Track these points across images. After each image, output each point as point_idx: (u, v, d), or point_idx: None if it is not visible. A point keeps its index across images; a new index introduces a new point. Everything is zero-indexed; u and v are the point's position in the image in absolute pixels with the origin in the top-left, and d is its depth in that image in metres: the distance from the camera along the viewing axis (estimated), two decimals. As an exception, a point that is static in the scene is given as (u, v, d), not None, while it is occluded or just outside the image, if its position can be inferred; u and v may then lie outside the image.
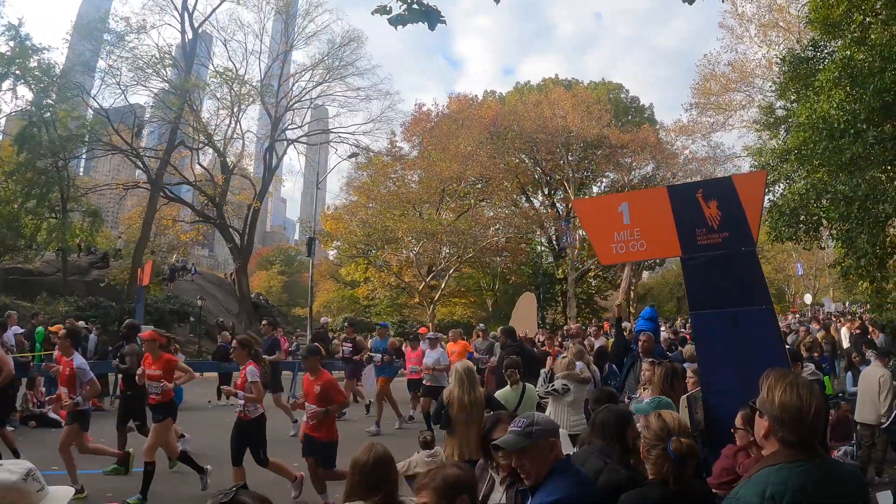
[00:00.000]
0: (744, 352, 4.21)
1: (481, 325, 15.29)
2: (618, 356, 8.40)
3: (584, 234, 40.30)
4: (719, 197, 4.43)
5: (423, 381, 11.05)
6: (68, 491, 2.16)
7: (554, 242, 40.93)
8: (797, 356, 7.56)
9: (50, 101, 27.23)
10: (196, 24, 32.64)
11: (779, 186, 15.81)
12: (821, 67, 14.10)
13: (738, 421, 3.38)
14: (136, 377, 7.53)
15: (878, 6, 12.85)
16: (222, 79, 32.66)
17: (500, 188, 36.40)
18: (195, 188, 34.73)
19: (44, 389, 11.95)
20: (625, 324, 21.98)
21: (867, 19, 12.89)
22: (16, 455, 7.50)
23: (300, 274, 74.54)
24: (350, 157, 34.50)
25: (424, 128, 39.02)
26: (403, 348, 14.21)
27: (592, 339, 14.68)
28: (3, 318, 12.74)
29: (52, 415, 10.92)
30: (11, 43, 26.06)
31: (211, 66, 34.64)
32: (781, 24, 26.71)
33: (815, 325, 18.50)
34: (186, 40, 32.49)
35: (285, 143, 36.90)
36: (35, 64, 26.68)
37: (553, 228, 39.48)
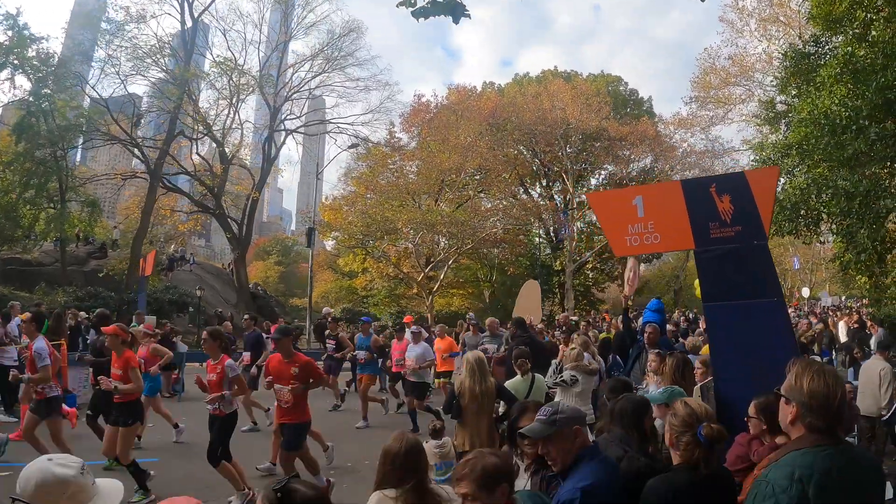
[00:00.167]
0: (755, 343, 4.30)
1: (470, 314, 15.12)
2: (622, 347, 8.52)
3: (582, 226, 40.58)
4: (732, 191, 4.50)
5: (405, 376, 10.66)
6: (116, 483, 2.18)
7: (552, 234, 41.03)
8: (804, 348, 7.68)
9: (48, 91, 27.05)
10: (196, 14, 32.54)
11: (779, 181, 15.88)
12: (822, 63, 14.14)
13: (751, 410, 3.46)
14: (100, 383, 7.03)
15: (881, 3, 12.89)
16: (222, 69, 32.54)
17: (498, 179, 36.44)
18: (194, 178, 34.68)
19: None
20: (620, 317, 22.17)
21: (869, 16, 12.94)
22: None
23: (297, 264, 74.59)
24: (350, 147, 34.53)
25: (423, 119, 39.00)
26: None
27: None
28: (6, 309, 12.74)
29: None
30: (10, 32, 25.92)
31: (210, 56, 34.55)
32: (782, 18, 26.75)
33: (812, 319, 18.64)
34: (186, 30, 32.36)
35: (284, 133, 36.88)
36: (33, 53, 26.57)
37: (551, 220, 39.57)
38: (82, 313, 16.65)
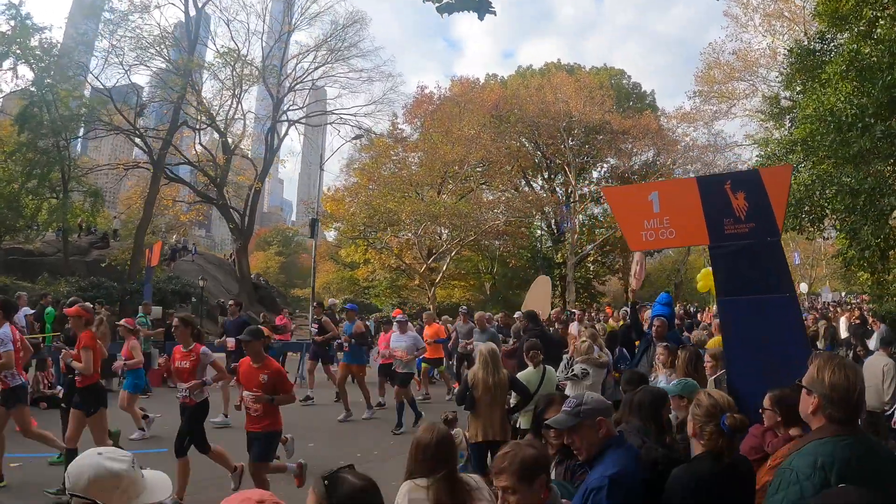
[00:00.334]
0: (768, 337, 4.40)
1: (463, 307, 15.16)
2: (628, 340, 8.61)
3: (584, 219, 40.69)
4: (747, 188, 4.58)
5: (393, 368, 10.38)
6: (162, 476, 2.18)
7: (553, 227, 41.09)
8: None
9: (50, 81, 26.98)
10: (199, 4, 32.45)
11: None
12: (828, 60, 14.18)
13: (766, 402, 3.54)
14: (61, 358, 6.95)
15: (887, 1, 12.93)
16: (225, 60, 32.50)
17: (501, 172, 36.47)
18: (197, 169, 34.69)
19: (54, 371, 11.74)
20: (624, 309, 22.26)
21: (875, 14, 12.96)
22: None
23: (297, 255, 74.72)
24: (355, 138, 34.55)
25: (426, 110, 38.96)
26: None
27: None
28: (14, 300, 12.77)
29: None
30: (12, 22, 25.84)
31: (213, 46, 34.52)
32: (787, 14, 26.74)
33: (814, 315, 18.74)
34: (190, 19, 32.30)
35: (286, 124, 36.89)
36: (36, 43, 26.48)
37: (553, 213, 39.62)
38: (88, 303, 16.70)
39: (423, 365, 13.09)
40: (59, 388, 11.16)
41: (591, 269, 43.08)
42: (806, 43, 15.91)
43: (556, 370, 6.79)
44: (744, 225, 4.55)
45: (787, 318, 4.49)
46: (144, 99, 33.40)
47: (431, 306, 31.29)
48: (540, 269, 38.24)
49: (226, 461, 6.50)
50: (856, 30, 13.52)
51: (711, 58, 32.55)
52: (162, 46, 31.13)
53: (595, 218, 43.04)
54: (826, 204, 13.51)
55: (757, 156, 17.10)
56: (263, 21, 35.59)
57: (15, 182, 26.62)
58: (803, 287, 39.00)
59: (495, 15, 4.16)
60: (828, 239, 20.99)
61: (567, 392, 6.83)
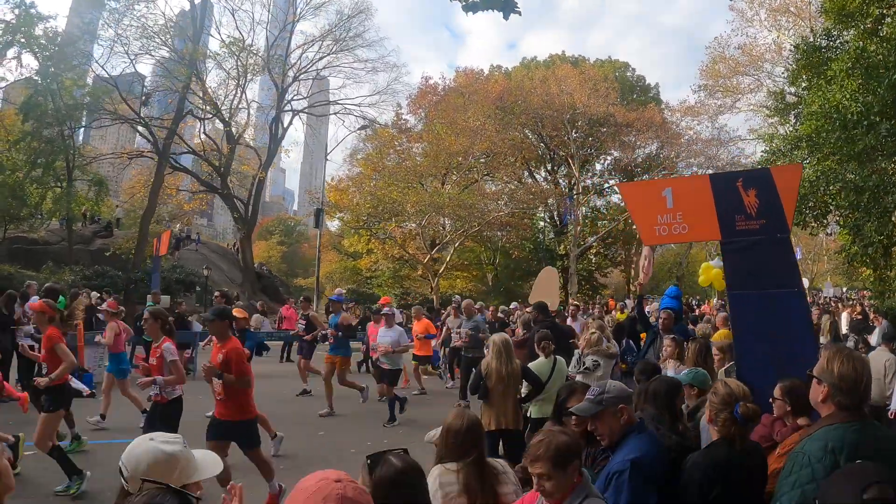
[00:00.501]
0: (776, 330, 4.55)
1: (456, 297, 15.07)
2: (633, 332, 8.78)
3: (587, 211, 40.80)
4: (758, 186, 4.72)
5: (378, 363, 10.09)
6: (212, 455, 2.26)
7: (556, 219, 41.19)
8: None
9: (55, 70, 26.96)
10: (205, -7, 32.47)
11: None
12: (833, 57, 14.23)
13: (777, 392, 3.68)
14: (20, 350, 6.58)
15: (894, -1, 12.98)
16: (231, 50, 32.51)
17: (504, 163, 36.53)
18: (202, 158, 34.76)
19: None
20: (628, 301, 22.44)
21: (882, 11, 13.01)
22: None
23: (299, 244, 74.73)
24: (360, 129, 34.59)
25: (430, 101, 38.99)
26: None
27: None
28: (24, 289, 12.84)
29: (75, 385, 10.67)
30: (17, 11, 25.84)
31: (217, 36, 34.51)
32: (792, 9, 26.73)
33: (815, 310, 18.85)
34: (195, 7, 32.28)
35: (290, 114, 36.93)
36: (40, 32, 26.51)
37: (556, 205, 39.70)
38: (94, 293, 16.87)
39: (414, 362, 12.82)
40: (68, 376, 11.32)
41: (594, 261, 43.22)
42: (812, 39, 15.93)
43: (565, 360, 6.92)
44: (755, 221, 4.69)
45: (795, 313, 4.64)
46: (148, 88, 33.41)
47: (435, 297, 31.45)
48: (542, 261, 38.38)
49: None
50: (862, 27, 13.56)
51: (717, 52, 32.59)
52: (167, 36, 31.13)
53: (598, 210, 43.19)
54: (830, 200, 13.61)
55: (762, 151, 17.21)
56: (268, 11, 35.63)
57: (19, 171, 26.70)
58: (804, 282, 39.07)
59: (520, 15, 4.25)
60: (830, 235, 21.11)
61: (580, 382, 6.98)
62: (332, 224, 43.65)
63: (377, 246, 37.41)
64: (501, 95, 36.99)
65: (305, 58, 35.83)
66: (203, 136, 34.61)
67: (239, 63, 32.79)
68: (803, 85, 16.10)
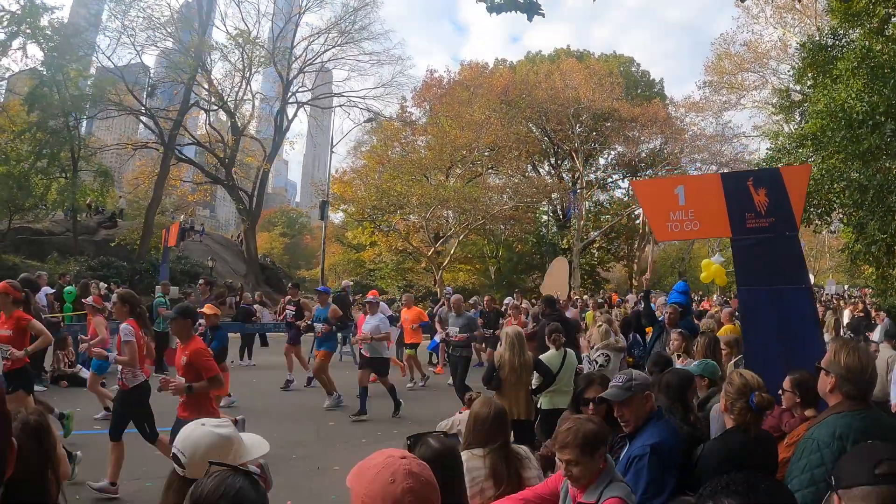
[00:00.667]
0: (784, 325, 4.73)
1: (448, 289, 14.99)
2: (639, 326, 8.93)
3: (590, 205, 40.91)
4: (768, 185, 4.89)
5: (361, 351, 9.87)
6: (257, 437, 2.33)
7: (559, 213, 41.31)
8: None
9: (61, 61, 26.99)
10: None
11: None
12: (839, 56, 14.31)
13: (786, 384, 3.83)
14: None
15: (900, -1, 13.05)
16: (237, 42, 32.55)
17: (509, 157, 36.63)
18: (207, 150, 34.86)
19: (73, 349, 11.61)
20: (629, 296, 22.58)
21: (888, 11, 13.09)
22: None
23: (302, 236, 74.94)
24: (367, 121, 34.69)
25: (435, 94, 39.04)
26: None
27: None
28: (35, 279, 12.99)
29: (84, 374, 10.60)
30: (22, 1, 25.82)
31: (223, 27, 34.54)
32: (798, 7, 26.72)
33: (819, 308, 18.97)
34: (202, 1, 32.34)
35: (296, 105, 37.03)
36: (45, 23, 26.46)
37: (560, 199, 39.81)
38: (103, 284, 16.98)
39: (408, 351, 12.60)
40: (79, 366, 11.36)
41: (596, 255, 43.34)
42: (818, 38, 16.02)
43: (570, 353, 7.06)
44: (764, 219, 4.85)
45: (802, 308, 4.81)
46: (154, 79, 33.48)
47: (438, 289, 31.60)
48: (545, 255, 38.52)
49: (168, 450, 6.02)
50: (868, 26, 13.65)
51: (722, 48, 32.63)
52: (173, 27, 31.16)
53: (601, 205, 43.28)
54: (834, 198, 13.74)
55: (767, 149, 17.32)
56: (274, 2, 35.67)
57: (24, 161, 26.75)
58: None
59: (543, 17, 4.36)
60: (834, 233, 21.23)
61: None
62: (336, 216, 43.88)
63: (380, 238, 37.53)
64: (506, 89, 36.99)
65: (311, 50, 35.90)
66: (209, 127, 34.69)
67: (245, 55, 32.84)
68: (809, 83, 16.19)
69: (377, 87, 37.00)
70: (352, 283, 19.79)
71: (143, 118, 32.12)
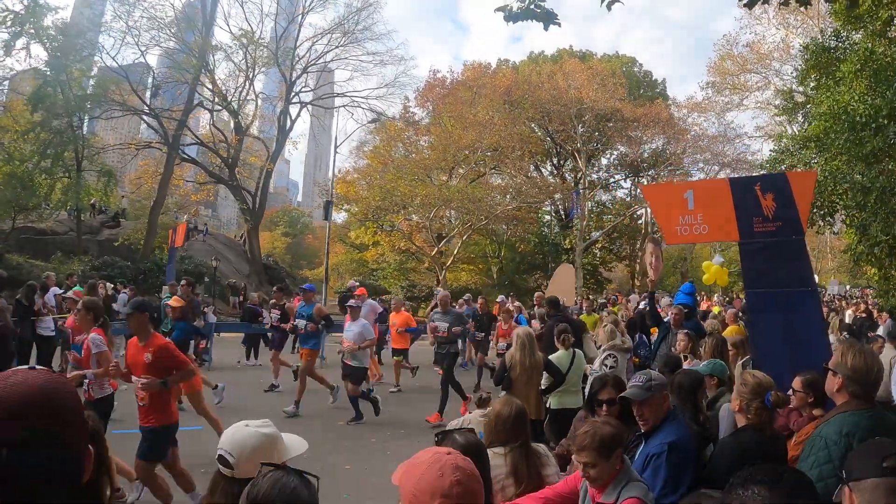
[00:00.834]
0: (791, 327, 4.83)
1: (439, 289, 14.87)
2: (644, 326, 9.02)
3: (592, 205, 41.00)
4: (775, 190, 4.99)
5: (343, 360, 9.33)
6: (295, 436, 2.39)
7: (562, 213, 41.41)
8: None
9: (64, 61, 27.07)
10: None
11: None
12: (842, 58, 14.39)
13: (797, 384, 3.93)
14: None
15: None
16: (241, 42, 32.67)
17: (511, 157, 36.74)
18: (211, 150, 34.98)
19: None
20: (632, 296, 22.67)
21: (891, 14, 13.17)
22: None
23: (304, 235, 75.00)
24: (371, 122, 34.79)
25: (438, 94, 39.14)
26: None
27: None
28: (43, 280, 13.09)
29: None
30: (25, 1, 25.92)
31: (226, 27, 34.69)
32: (801, 8, 26.76)
33: (823, 309, 19.05)
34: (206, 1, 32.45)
35: (299, 105, 37.16)
36: (49, 23, 26.61)
37: (563, 199, 39.90)
38: (109, 284, 17.08)
39: (395, 357, 12.35)
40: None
41: (599, 255, 43.45)
42: (821, 40, 16.11)
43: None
44: (771, 223, 4.95)
45: (809, 310, 4.91)
46: (158, 79, 33.58)
47: (441, 289, 31.68)
48: (548, 255, 38.60)
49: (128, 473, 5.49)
50: (871, 29, 13.73)
51: (725, 49, 32.75)
52: (177, 28, 31.25)
53: (603, 205, 43.38)
54: (837, 200, 13.81)
55: (770, 150, 17.41)
56: (277, 2, 35.79)
57: (28, 161, 26.86)
58: (812, 280, 39.18)
59: (559, 26, 4.45)
60: (837, 234, 21.33)
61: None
62: (339, 216, 44.02)
63: (383, 238, 37.64)
64: (509, 89, 37.10)
65: (314, 50, 36.04)
66: (213, 127, 34.81)
67: (248, 55, 32.95)
68: (812, 85, 16.27)
69: (380, 87, 37.16)
70: (358, 283, 19.87)
71: (147, 118, 32.24)
